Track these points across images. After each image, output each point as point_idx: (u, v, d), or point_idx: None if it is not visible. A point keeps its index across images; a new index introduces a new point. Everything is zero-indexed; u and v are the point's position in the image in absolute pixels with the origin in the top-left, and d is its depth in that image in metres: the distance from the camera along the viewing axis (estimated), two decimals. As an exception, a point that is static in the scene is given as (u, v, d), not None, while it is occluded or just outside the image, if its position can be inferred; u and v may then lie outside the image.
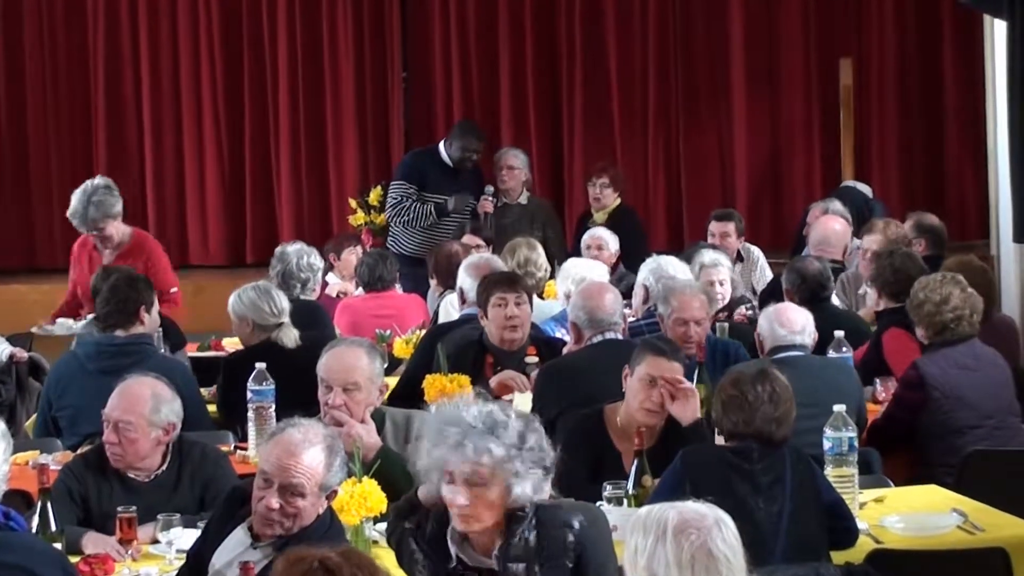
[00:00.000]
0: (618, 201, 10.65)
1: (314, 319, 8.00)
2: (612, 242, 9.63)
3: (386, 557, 5.08)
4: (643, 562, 3.42)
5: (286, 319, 7.24)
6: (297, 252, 8.41)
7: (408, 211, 10.34)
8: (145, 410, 5.39)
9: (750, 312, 8.26)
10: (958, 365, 6.58)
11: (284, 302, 7.31)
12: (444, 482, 4.22)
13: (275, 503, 4.44)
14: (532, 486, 4.23)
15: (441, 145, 10.60)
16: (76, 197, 9.00)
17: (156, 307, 7.24)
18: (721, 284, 8.28)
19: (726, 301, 8.29)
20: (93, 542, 5.08)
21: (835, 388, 6.16)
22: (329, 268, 9.85)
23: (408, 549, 4.37)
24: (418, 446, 4.32)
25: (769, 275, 9.75)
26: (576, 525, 4.26)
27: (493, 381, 6.66)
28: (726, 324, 7.75)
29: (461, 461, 4.18)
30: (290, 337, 7.16)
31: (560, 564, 4.22)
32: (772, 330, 6.55)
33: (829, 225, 9.41)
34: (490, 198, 10.39)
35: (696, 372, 6.22)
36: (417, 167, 10.53)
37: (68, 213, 9.04)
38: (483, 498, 4.19)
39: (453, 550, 4.29)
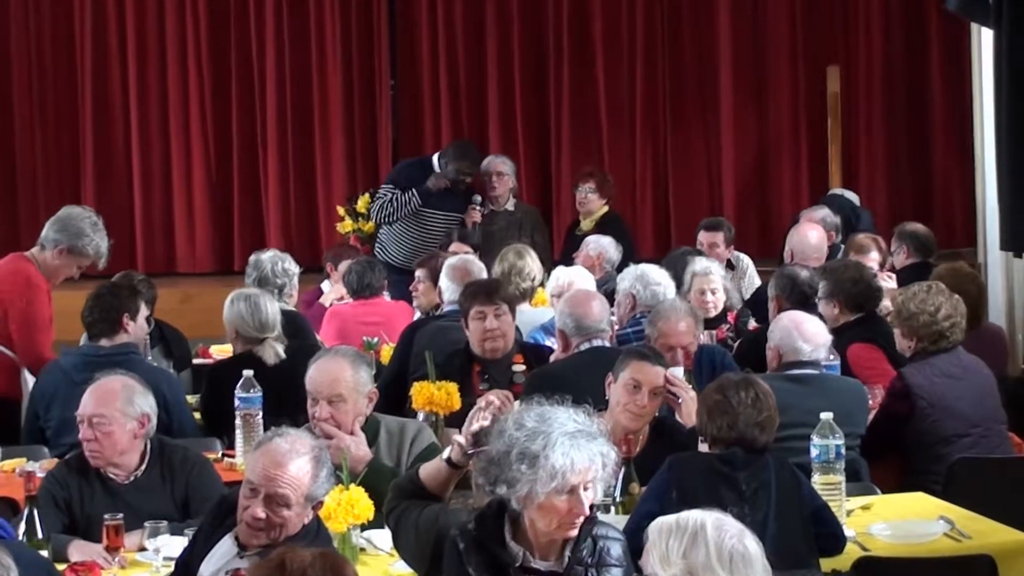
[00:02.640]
0: (605, 208, 10.62)
1: (294, 329, 7.78)
2: (612, 251, 9.56)
3: (373, 564, 5.08)
4: (679, 563, 3.42)
5: (269, 335, 7.08)
6: (271, 259, 8.24)
7: (391, 202, 10.32)
8: (117, 402, 5.41)
9: (731, 333, 8.22)
10: (944, 374, 6.58)
11: (268, 316, 7.12)
12: (559, 490, 4.13)
13: (261, 513, 4.44)
14: (603, 489, 4.29)
15: (435, 159, 10.52)
16: (103, 234, 7.57)
17: (142, 314, 7.20)
18: (713, 293, 8.21)
19: (719, 310, 8.23)
20: (79, 549, 5.08)
21: (844, 412, 5.90)
22: (325, 277, 9.83)
23: (456, 560, 4.27)
24: (529, 448, 4.19)
25: (758, 283, 9.72)
26: (622, 537, 4.30)
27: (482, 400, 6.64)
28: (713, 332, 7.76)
29: (590, 469, 4.17)
30: (270, 354, 7.04)
31: (615, 568, 4.23)
32: (792, 344, 6.38)
33: (804, 235, 9.40)
34: (478, 207, 10.38)
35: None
36: (408, 176, 10.48)
37: (101, 249, 7.54)
38: (587, 503, 4.22)
39: (519, 552, 4.22)
